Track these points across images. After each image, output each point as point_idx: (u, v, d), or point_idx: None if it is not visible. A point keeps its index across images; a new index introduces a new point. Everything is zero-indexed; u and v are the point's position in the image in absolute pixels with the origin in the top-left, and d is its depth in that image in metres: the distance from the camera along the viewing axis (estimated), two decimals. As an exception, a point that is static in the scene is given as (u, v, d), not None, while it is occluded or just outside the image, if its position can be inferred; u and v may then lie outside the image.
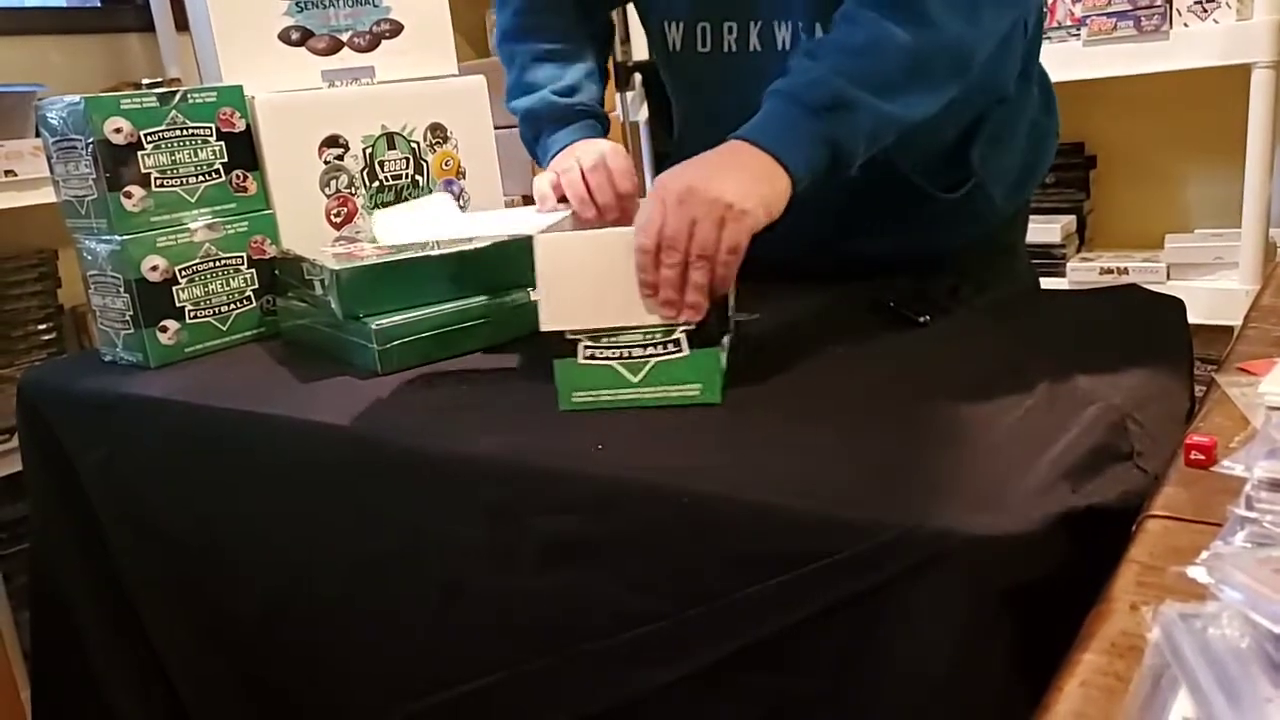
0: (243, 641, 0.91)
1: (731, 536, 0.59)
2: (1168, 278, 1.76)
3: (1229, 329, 1.67)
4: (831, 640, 0.57)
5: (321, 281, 0.93)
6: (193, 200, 1.02)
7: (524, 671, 0.72)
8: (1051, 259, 1.82)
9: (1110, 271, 1.78)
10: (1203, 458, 0.56)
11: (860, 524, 0.55)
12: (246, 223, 1.05)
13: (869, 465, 0.59)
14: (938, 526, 0.52)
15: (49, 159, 1.02)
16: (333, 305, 0.91)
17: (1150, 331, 0.81)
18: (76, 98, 0.95)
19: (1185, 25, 1.57)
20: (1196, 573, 0.38)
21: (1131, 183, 1.92)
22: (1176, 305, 0.88)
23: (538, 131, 0.99)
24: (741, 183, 0.72)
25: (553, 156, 0.95)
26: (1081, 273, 1.81)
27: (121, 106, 0.95)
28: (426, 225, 1.01)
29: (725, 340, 0.75)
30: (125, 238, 0.96)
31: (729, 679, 0.61)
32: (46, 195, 1.04)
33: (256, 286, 1.06)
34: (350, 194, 1.13)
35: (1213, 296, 1.65)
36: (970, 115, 0.93)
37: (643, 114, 2.07)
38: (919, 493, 0.55)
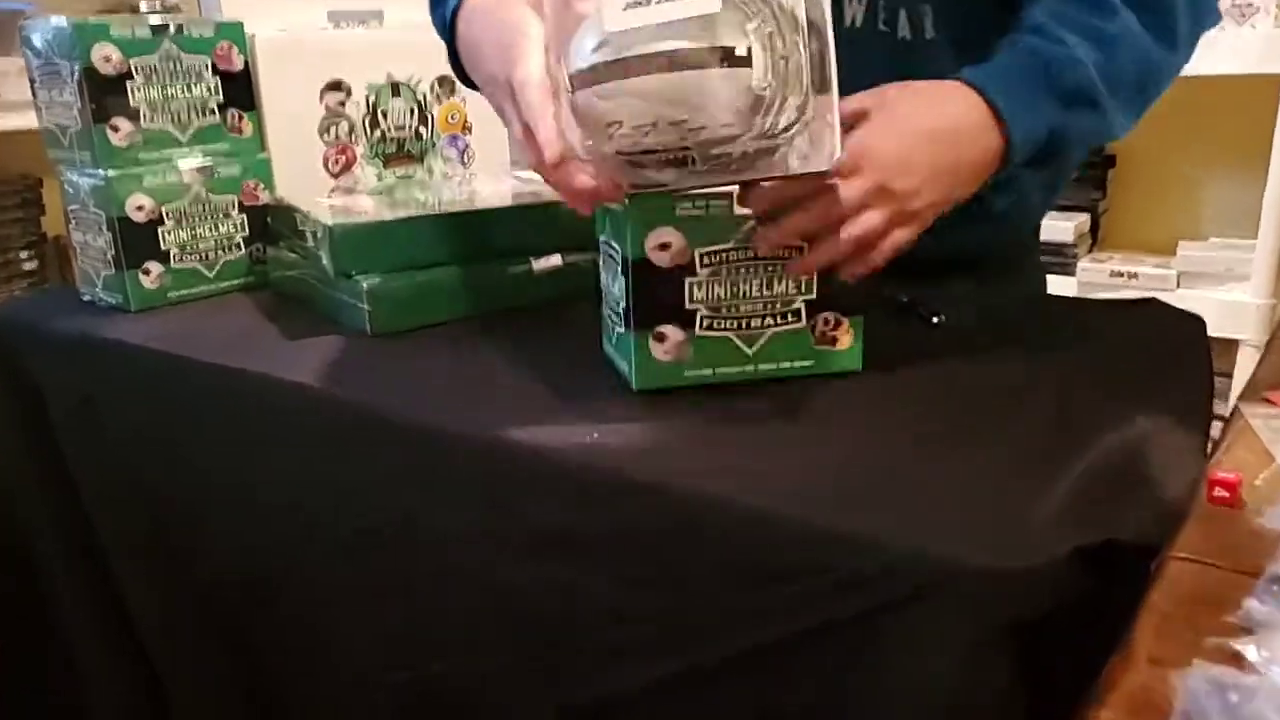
0: (221, 604, 0.88)
1: (726, 542, 0.57)
2: (1177, 285, 1.73)
3: (1235, 342, 1.65)
4: (821, 659, 0.54)
5: (314, 234, 0.89)
6: (184, 139, 0.97)
7: (511, 657, 0.69)
8: (1063, 258, 1.79)
9: (1120, 275, 1.75)
10: (1227, 495, 0.53)
11: (860, 543, 0.52)
12: (239, 166, 1.00)
13: (873, 480, 0.56)
14: (940, 554, 0.50)
15: (32, 83, 0.97)
16: (324, 261, 0.87)
17: (1170, 350, 0.78)
18: (63, 20, 0.90)
19: (1222, 28, 1.53)
20: (1247, 650, 0.36)
21: (1148, 185, 1.88)
22: (1197, 323, 0.85)
23: None
24: (941, 162, 0.65)
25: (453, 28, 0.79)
26: (1091, 274, 1.78)
27: (111, 33, 0.91)
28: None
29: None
30: (110, 173, 0.92)
31: (715, 684, 0.59)
32: (32, 119, 0.99)
33: (247, 234, 1.02)
34: (350, 142, 1.09)
35: (1222, 308, 1.62)
36: None
37: None
38: (922, 514, 0.53)
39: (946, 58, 0.80)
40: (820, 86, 0.58)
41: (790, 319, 0.69)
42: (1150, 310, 0.88)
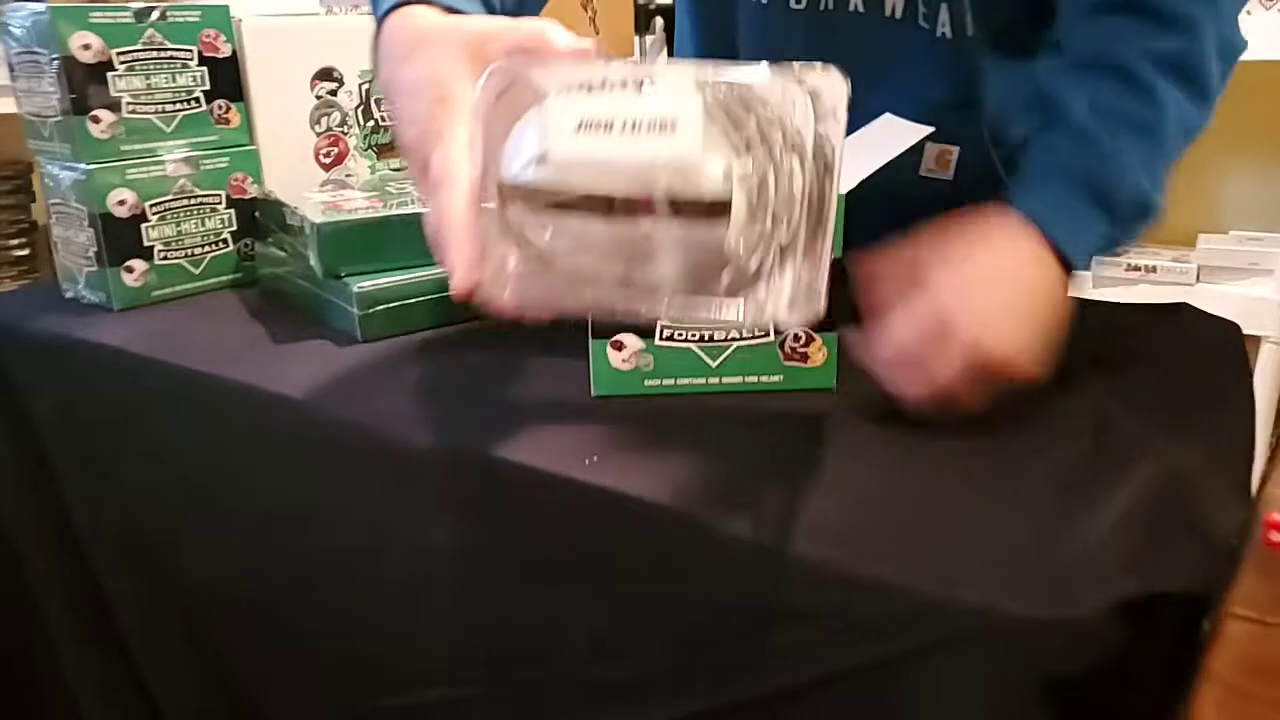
0: (202, 618, 0.85)
1: (730, 578, 0.53)
2: (1197, 279, 1.68)
3: (1256, 339, 1.60)
4: (830, 710, 0.51)
5: (302, 231, 0.85)
6: (168, 130, 0.93)
7: (496, 688, 0.66)
8: (1079, 251, 1.73)
9: (1138, 269, 1.70)
10: (1284, 539, 0.49)
11: (878, 585, 0.48)
12: (227, 158, 0.96)
13: (891, 515, 0.52)
14: (967, 600, 0.46)
15: (11, 70, 0.92)
16: (312, 261, 0.83)
17: (1209, 365, 0.74)
18: (41, 6, 0.85)
19: (1248, 13, 1.47)
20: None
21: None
22: (1234, 332, 0.81)
23: None
24: (1018, 315, 0.59)
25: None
26: (1107, 267, 1.73)
27: (91, 20, 0.86)
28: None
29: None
30: (91, 167, 0.88)
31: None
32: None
33: (234, 229, 0.98)
34: (343, 133, 1.04)
35: (1242, 304, 1.57)
36: None
37: (663, 60, 1.97)
38: (946, 554, 0.49)
39: (983, 56, 0.76)
40: (810, 246, 0.47)
41: (756, 333, 0.66)
42: (1183, 318, 0.83)
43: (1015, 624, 0.44)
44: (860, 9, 0.80)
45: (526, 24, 0.52)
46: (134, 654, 0.91)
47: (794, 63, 0.46)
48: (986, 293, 0.59)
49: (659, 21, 1.95)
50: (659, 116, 0.43)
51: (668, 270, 0.46)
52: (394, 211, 0.86)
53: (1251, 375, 0.76)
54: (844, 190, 0.63)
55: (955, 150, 0.83)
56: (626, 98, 0.45)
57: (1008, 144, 0.83)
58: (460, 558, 0.65)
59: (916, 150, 0.85)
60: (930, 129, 0.67)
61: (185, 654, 0.87)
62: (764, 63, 0.47)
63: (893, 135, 0.63)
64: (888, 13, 0.79)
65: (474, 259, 0.48)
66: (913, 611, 0.47)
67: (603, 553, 0.58)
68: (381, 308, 0.80)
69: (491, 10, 0.64)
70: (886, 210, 0.66)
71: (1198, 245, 1.70)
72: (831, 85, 0.46)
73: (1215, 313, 0.83)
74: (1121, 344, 0.77)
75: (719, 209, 0.44)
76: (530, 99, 0.48)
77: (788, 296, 0.47)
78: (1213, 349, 0.77)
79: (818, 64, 0.46)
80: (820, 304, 0.47)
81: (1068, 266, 0.62)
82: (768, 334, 0.65)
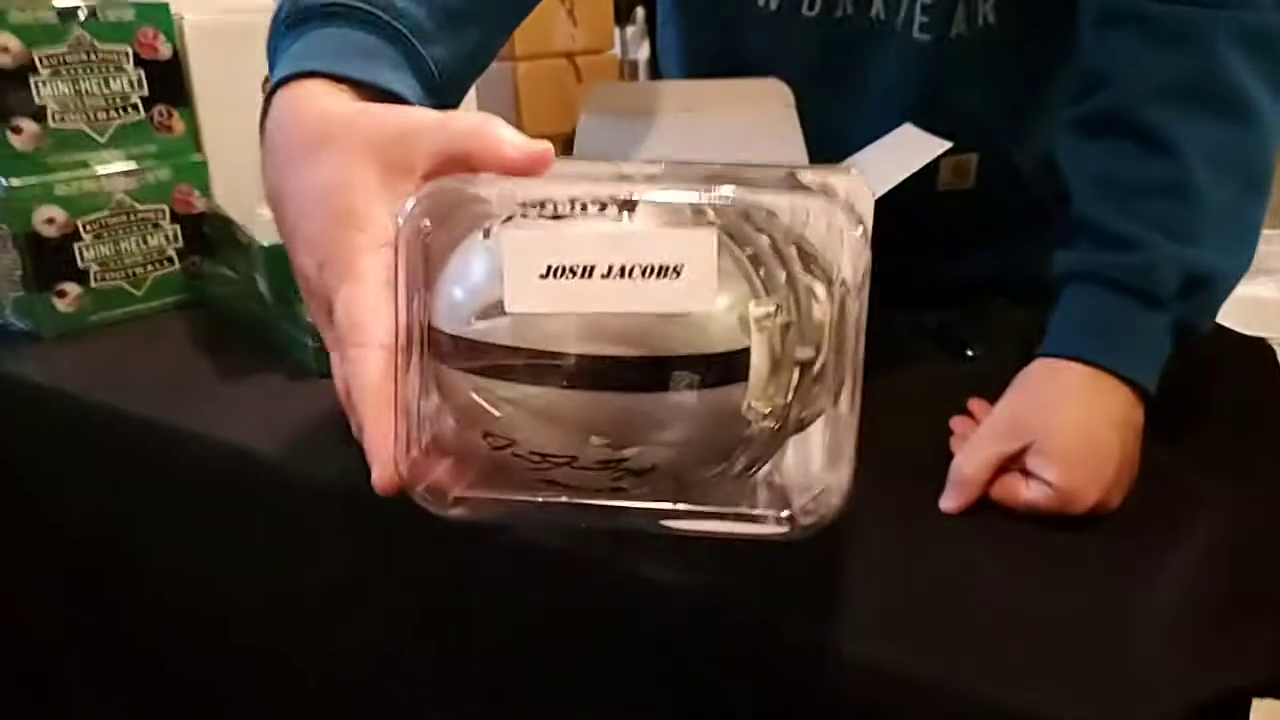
0: (149, 666, 0.77)
1: (757, 671, 0.46)
2: (1197, 278, 1.63)
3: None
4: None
5: (251, 252, 0.77)
6: (102, 140, 0.84)
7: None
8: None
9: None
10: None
11: (917, 685, 0.41)
12: (170, 169, 0.88)
13: (929, 598, 0.45)
14: (1024, 706, 0.39)
15: (-76, 77, 0.84)
16: (261, 285, 0.75)
17: (1247, 392, 0.68)
18: (-48, 6, 0.77)
19: None
20: None
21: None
22: (1267, 351, 0.75)
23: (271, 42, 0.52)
24: (1110, 467, 0.53)
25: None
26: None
27: (9, 20, 0.77)
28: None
29: None
30: (13, 183, 0.79)
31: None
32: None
33: (180, 245, 0.90)
34: (298, 140, 0.96)
35: (1245, 305, 1.52)
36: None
37: (643, 53, 1.89)
38: (999, 652, 0.42)
39: (1004, 58, 0.69)
40: (838, 390, 0.35)
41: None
42: (1211, 337, 0.77)
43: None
44: (881, 16, 0.73)
45: (459, 121, 0.39)
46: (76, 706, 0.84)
47: (806, 167, 0.37)
48: (1090, 448, 0.53)
49: (639, 12, 1.87)
50: (657, 260, 0.33)
51: (663, 453, 0.36)
52: (353, 229, 0.78)
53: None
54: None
55: (974, 157, 0.77)
56: (606, 229, 0.34)
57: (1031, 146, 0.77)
58: (435, 625, 0.58)
59: (932, 165, 0.79)
60: (949, 143, 0.60)
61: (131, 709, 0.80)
62: (773, 169, 0.38)
63: (912, 148, 0.57)
64: (902, 18, 0.73)
65: (393, 455, 0.36)
66: (966, 715, 0.40)
67: (591, 609, 0.51)
68: (339, 339, 0.73)
69: (425, 76, 0.50)
70: (904, 231, 0.59)
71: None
72: (854, 189, 0.37)
73: (1220, 316, 0.77)
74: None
75: (733, 363, 0.35)
76: (471, 220, 0.37)
77: (819, 459, 0.37)
78: (1248, 374, 0.71)
79: (837, 167, 0.37)
80: (852, 462, 0.36)
81: (1144, 392, 0.57)
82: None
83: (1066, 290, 0.60)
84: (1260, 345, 0.75)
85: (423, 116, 0.41)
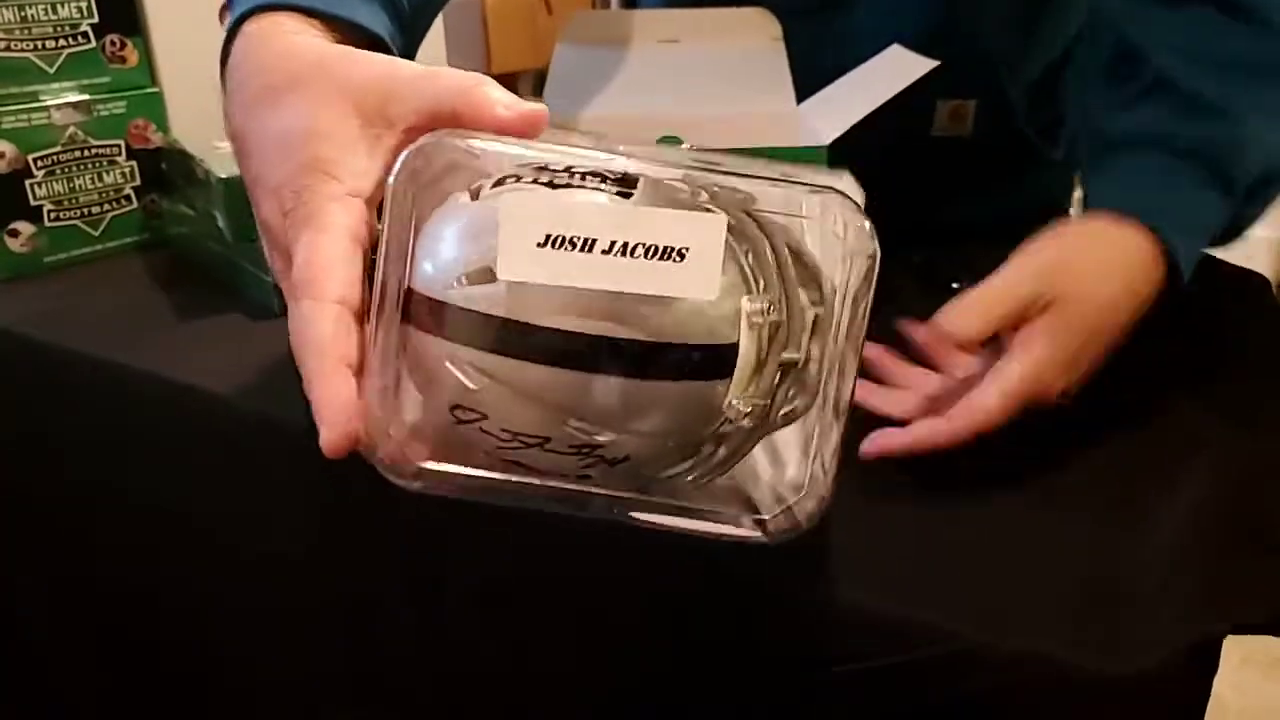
0: (113, 619, 0.75)
1: (744, 620, 0.44)
2: (1187, 217, 1.60)
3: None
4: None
5: (209, 186, 0.74)
6: (51, 70, 0.80)
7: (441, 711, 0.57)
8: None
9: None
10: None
11: (908, 628, 0.39)
12: (125, 102, 0.84)
13: (918, 538, 0.43)
14: (1019, 649, 0.37)
15: None
16: (220, 221, 0.72)
17: (1242, 326, 0.66)
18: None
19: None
20: None
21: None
22: (1262, 287, 0.73)
23: None
24: (1104, 348, 0.48)
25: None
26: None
27: (-56, -59, 0.73)
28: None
29: None
30: (-44, 116, 0.76)
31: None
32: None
33: (138, 183, 0.86)
34: (261, 72, 0.92)
35: (1237, 243, 1.50)
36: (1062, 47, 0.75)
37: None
38: (995, 595, 0.40)
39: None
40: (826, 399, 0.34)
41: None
42: (1206, 271, 0.74)
43: (1077, 676, 0.36)
44: None
45: (447, 78, 0.37)
46: (43, 665, 0.82)
47: (798, 166, 0.35)
48: (1086, 351, 0.48)
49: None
50: (663, 241, 0.31)
51: (637, 443, 0.34)
52: (317, 163, 0.75)
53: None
54: (842, 130, 0.54)
55: (972, 104, 0.74)
56: (612, 204, 0.33)
57: (1034, 90, 0.73)
58: (405, 573, 0.56)
59: (927, 109, 0.76)
60: (936, 62, 0.57)
61: (96, 663, 0.78)
62: (760, 162, 0.35)
63: (900, 68, 0.53)
64: None
65: (348, 402, 0.33)
66: (946, 659, 0.38)
67: (565, 575, 0.49)
68: (302, 277, 0.70)
69: (396, 8, 0.48)
70: (897, 177, 0.56)
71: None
72: (848, 189, 0.36)
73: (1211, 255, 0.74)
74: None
75: (719, 356, 0.34)
76: (458, 181, 0.35)
77: (795, 463, 0.36)
78: (1245, 308, 0.69)
79: (834, 172, 0.35)
80: (830, 472, 0.35)
81: (1177, 271, 0.51)
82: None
83: (1127, 153, 0.52)
84: (1256, 279, 0.73)
85: (409, 70, 0.38)
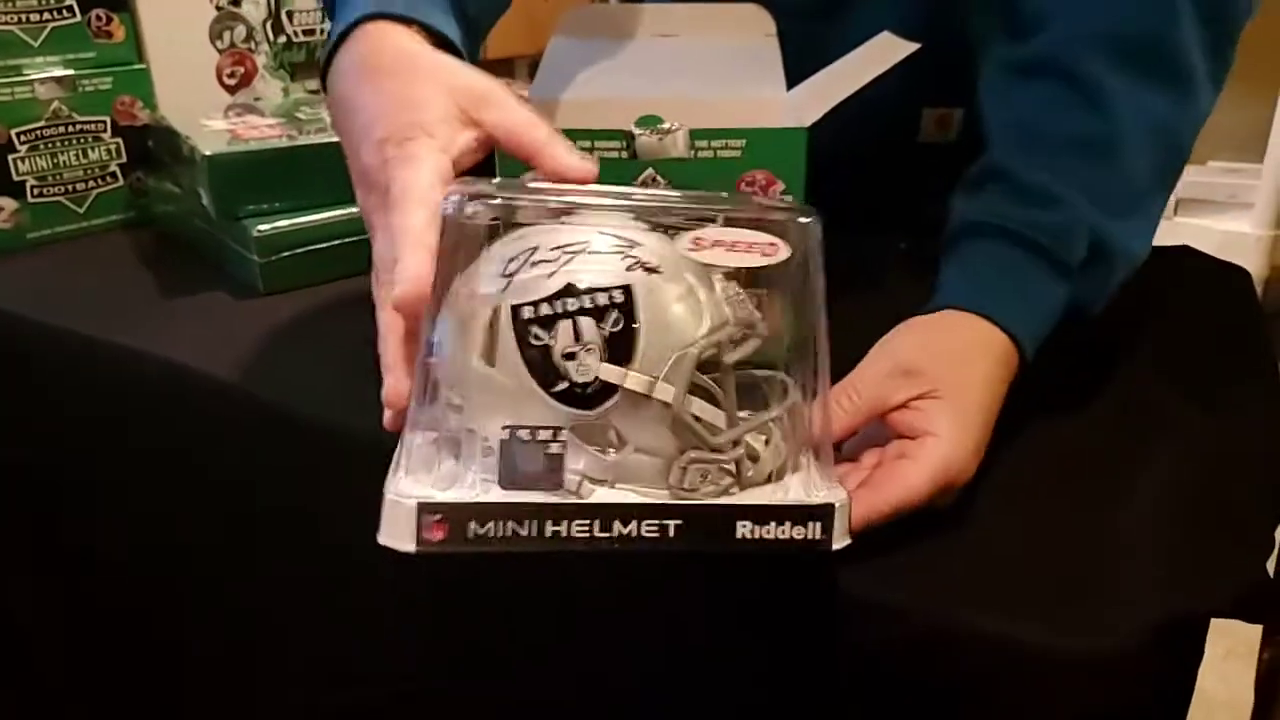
0: (101, 601, 0.75)
1: (729, 599, 0.44)
2: (1175, 213, 1.61)
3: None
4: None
5: (194, 163, 0.73)
6: (35, 44, 0.80)
7: (431, 689, 0.58)
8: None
9: (1114, 201, 1.63)
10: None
11: (891, 611, 0.40)
12: (110, 78, 0.83)
13: (887, 529, 0.43)
14: (988, 629, 0.38)
15: None
16: (204, 199, 0.71)
17: (1225, 323, 0.66)
18: None
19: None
20: None
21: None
22: (1244, 280, 0.73)
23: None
24: (987, 429, 0.47)
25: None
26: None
27: (-73, -89, 0.72)
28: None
29: None
30: (-61, 88, 0.75)
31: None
32: None
33: (124, 160, 0.85)
34: (248, 50, 0.92)
35: (1222, 239, 1.51)
36: None
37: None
38: (962, 576, 0.40)
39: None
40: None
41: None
42: (1189, 264, 0.75)
43: (1045, 656, 0.36)
44: None
45: (527, 118, 0.47)
46: (23, 635, 0.82)
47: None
48: (983, 430, 0.47)
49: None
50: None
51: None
52: (304, 141, 0.75)
53: (1265, 330, 0.68)
54: (824, 111, 0.54)
55: (958, 112, 0.74)
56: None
57: None
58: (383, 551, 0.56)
59: (914, 116, 0.76)
60: (917, 45, 0.57)
61: (91, 647, 0.78)
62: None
63: (884, 52, 0.54)
64: None
65: (425, 274, 0.40)
66: (916, 642, 0.39)
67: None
68: (286, 255, 0.70)
69: (462, 20, 0.56)
70: (886, 180, 0.57)
71: (1176, 177, 1.63)
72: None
73: (1192, 249, 0.75)
74: (1123, 296, 0.69)
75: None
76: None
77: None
78: (1223, 301, 0.69)
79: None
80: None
81: (1023, 351, 0.51)
82: None
83: (967, 241, 0.54)
84: (1238, 272, 0.74)
85: (504, 90, 0.48)
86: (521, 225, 0.41)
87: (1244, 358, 0.61)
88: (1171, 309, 0.66)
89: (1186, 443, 0.49)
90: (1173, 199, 1.60)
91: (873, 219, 0.72)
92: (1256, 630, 0.50)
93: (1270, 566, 0.45)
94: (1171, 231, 0.76)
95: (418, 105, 0.46)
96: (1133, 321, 0.63)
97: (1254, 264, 1.51)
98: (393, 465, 0.40)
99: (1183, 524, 0.43)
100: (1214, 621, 0.43)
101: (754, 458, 0.40)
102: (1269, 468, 0.50)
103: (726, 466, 0.39)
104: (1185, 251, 0.77)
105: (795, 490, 0.39)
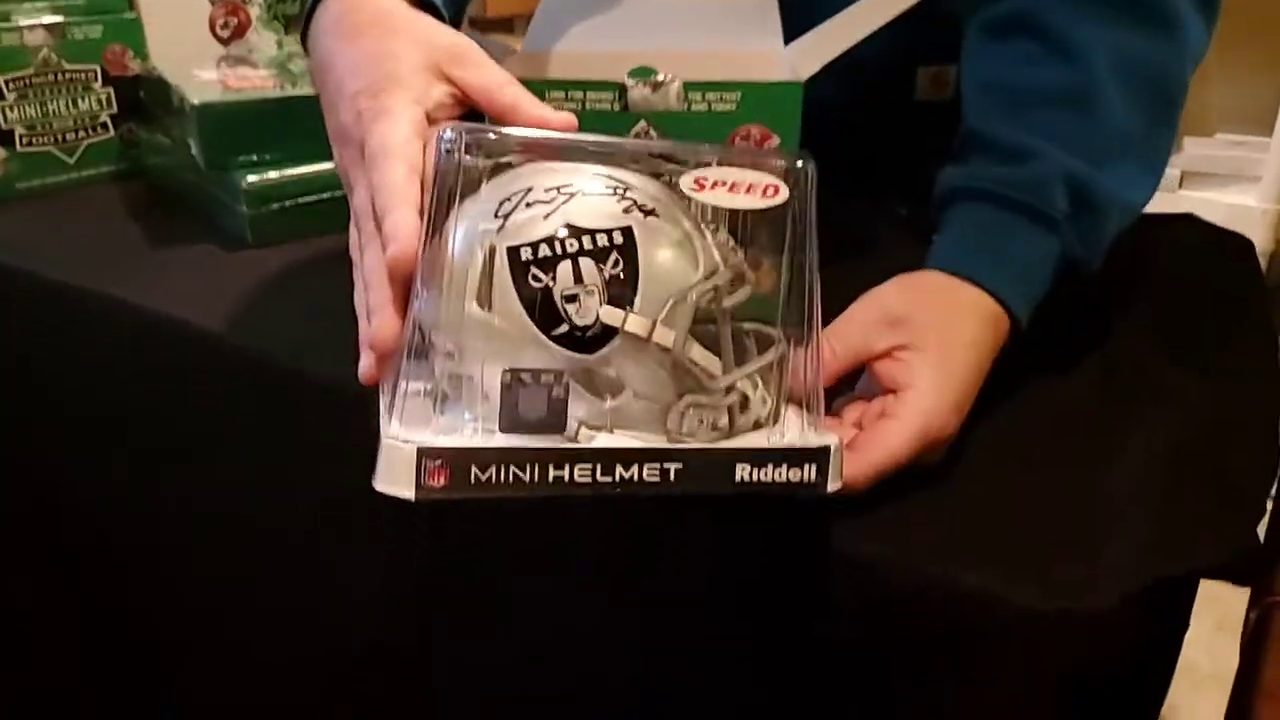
0: (87, 560, 0.75)
1: (712, 555, 0.44)
2: (1180, 185, 1.59)
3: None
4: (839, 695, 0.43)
5: (184, 114, 0.72)
6: (23, -12, 0.78)
7: (413, 642, 0.58)
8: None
9: (1119, 172, 1.61)
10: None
11: (882, 566, 0.39)
12: (101, 26, 0.82)
13: (894, 488, 0.43)
14: (972, 588, 0.37)
15: None
16: (193, 149, 0.70)
17: (1220, 285, 0.65)
18: None
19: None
20: None
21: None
22: (1246, 248, 0.72)
23: None
24: (971, 388, 0.46)
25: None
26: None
27: None
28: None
29: None
30: (-74, 33, 0.74)
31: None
32: None
33: (115, 111, 0.84)
34: (242, 1, 0.90)
35: (1228, 213, 1.49)
36: None
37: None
38: (952, 535, 0.40)
39: None
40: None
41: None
42: (1189, 230, 0.74)
43: (1029, 618, 0.36)
44: None
45: (502, 76, 0.46)
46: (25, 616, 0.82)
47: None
48: (966, 392, 0.46)
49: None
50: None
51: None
52: (295, 92, 0.74)
53: (1267, 298, 0.67)
54: (821, 66, 0.53)
55: (953, 69, 0.73)
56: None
57: None
58: (370, 501, 0.56)
59: (909, 75, 0.75)
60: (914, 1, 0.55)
61: (75, 607, 0.78)
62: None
63: (881, 5, 0.52)
64: None
65: (414, 229, 0.40)
66: (897, 600, 0.38)
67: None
68: (275, 207, 0.69)
69: None
70: (883, 140, 0.55)
71: (1183, 149, 1.61)
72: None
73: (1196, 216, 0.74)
74: (1123, 261, 0.68)
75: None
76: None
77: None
78: (1224, 268, 0.69)
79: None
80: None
81: (1013, 315, 0.50)
82: None
83: (949, 207, 0.54)
84: (1242, 241, 0.73)
85: (478, 49, 0.48)
86: (513, 166, 0.40)
87: (1243, 325, 0.60)
88: (1171, 275, 0.66)
89: (1182, 406, 0.48)
90: (1177, 171, 1.58)
91: (869, 181, 0.71)
92: (1246, 604, 0.50)
93: (1262, 531, 0.45)
94: (1176, 204, 0.75)
95: (391, 58, 0.46)
96: (1132, 286, 0.62)
97: (1260, 238, 1.50)
98: (383, 413, 0.39)
99: (1174, 487, 0.42)
100: (1204, 594, 0.43)
101: (745, 406, 0.39)
102: (1264, 433, 0.49)
103: (722, 412, 0.38)
104: (1187, 219, 0.76)
105: (790, 434, 0.39)
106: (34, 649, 0.79)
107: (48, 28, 0.79)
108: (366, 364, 0.42)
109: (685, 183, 0.39)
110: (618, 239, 0.37)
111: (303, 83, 0.76)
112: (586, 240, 0.37)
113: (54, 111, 0.81)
